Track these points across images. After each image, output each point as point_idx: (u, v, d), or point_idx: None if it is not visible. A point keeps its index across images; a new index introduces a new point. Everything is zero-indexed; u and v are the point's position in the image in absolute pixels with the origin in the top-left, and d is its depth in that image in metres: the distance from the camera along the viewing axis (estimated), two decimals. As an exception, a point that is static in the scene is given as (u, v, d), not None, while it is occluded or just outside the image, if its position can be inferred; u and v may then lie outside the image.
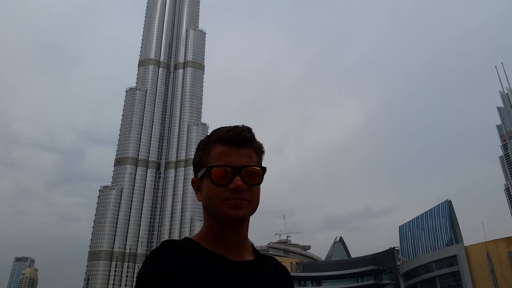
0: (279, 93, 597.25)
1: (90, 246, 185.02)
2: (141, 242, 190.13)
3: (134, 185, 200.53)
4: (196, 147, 1.61)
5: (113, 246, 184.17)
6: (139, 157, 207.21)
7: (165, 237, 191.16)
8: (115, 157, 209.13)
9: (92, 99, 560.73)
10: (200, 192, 1.55)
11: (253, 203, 1.49)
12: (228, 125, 1.57)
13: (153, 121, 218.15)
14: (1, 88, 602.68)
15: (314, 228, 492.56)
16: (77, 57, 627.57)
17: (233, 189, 1.44)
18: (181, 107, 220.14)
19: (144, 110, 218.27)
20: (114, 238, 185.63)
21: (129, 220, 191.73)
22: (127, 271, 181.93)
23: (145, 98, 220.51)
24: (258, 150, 1.59)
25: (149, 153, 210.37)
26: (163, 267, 1.32)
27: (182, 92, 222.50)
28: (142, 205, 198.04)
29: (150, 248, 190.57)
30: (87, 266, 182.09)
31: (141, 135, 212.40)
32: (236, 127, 1.55)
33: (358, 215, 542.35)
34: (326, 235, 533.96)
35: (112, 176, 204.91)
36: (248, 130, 1.56)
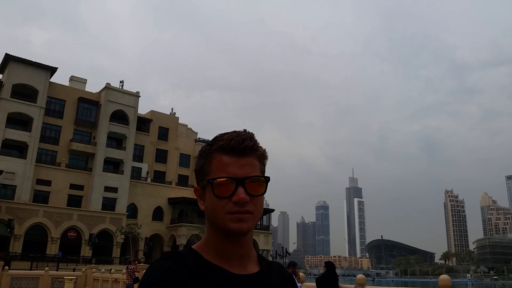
0: None
1: None
2: None
3: None
4: None
5: None
6: None
7: None
8: None
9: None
10: (203, 201, 1.48)
11: (256, 215, 1.44)
12: (230, 131, 1.50)
13: None
14: (432, 25, 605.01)
15: None
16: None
17: (236, 201, 1.38)
18: None
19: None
20: None
21: None
22: None
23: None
24: (261, 157, 1.50)
25: None
26: (164, 280, 1.29)
27: None
28: None
29: None
30: None
31: None
32: (238, 135, 1.46)
33: None
34: None
35: None
36: (251, 137, 1.47)
